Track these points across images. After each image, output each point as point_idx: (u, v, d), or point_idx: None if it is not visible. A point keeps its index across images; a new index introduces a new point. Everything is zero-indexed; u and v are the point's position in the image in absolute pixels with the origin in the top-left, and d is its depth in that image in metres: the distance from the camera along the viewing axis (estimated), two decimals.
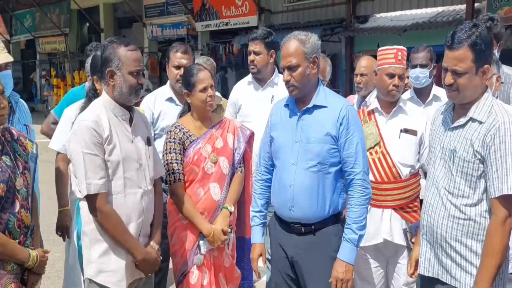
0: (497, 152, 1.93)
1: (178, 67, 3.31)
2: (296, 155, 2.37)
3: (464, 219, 2.04)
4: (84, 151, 2.16)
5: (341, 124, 2.32)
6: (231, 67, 12.83)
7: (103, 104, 2.29)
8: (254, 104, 3.36)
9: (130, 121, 2.35)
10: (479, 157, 1.99)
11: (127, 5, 14.74)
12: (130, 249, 2.25)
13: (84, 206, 2.26)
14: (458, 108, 2.13)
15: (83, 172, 2.16)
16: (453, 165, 2.07)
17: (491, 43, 2.04)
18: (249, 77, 3.54)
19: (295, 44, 2.31)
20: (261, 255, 2.53)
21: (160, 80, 14.53)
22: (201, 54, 12.31)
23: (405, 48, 2.82)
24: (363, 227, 2.34)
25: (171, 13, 14.01)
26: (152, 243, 2.37)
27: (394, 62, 2.76)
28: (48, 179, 3.42)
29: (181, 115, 2.89)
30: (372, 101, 2.90)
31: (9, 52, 2.92)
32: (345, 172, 2.37)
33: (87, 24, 17.67)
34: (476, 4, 8.48)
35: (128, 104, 2.33)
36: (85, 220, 2.28)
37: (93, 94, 2.82)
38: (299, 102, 2.43)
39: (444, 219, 2.09)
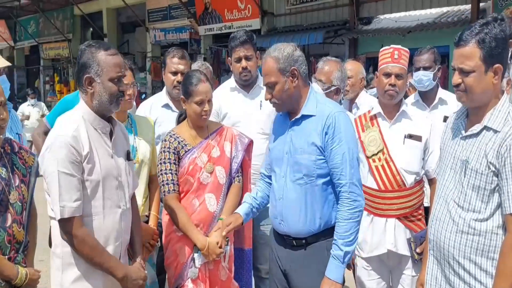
0: None
1: (175, 73, 3.23)
2: (285, 167, 2.33)
3: (474, 235, 1.90)
4: (60, 170, 1.97)
5: (326, 133, 2.22)
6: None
7: (82, 116, 2.10)
8: (242, 111, 3.18)
9: (110, 134, 2.17)
10: (493, 169, 1.85)
11: (130, 10, 14.72)
12: (110, 269, 2.09)
13: (55, 225, 2.07)
14: (472, 115, 1.99)
15: (57, 193, 1.97)
16: (464, 177, 1.93)
17: (504, 41, 1.88)
18: (230, 83, 3.32)
19: (269, 62, 2.30)
20: (228, 225, 2.41)
21: (163, 85, 14.45)
22: (204, 58, 12.25)
23: (403, 48, 2.71)
24: (351, 242, 2.19)
25: (174, 17, 13.96)
26: (138, 258, 2.25)
27: (390, 61, 2.66)
28: None
29: (179, 118, 2.80)
30: (362, 102, 2.83)
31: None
32: (333, 184, 2.27)
33: (91, 29, 17.66)
34: (481, 4, 8.35)
35: (108, 114, 2.15)
36: (57, 241, 2.09)
37: None
38: (291, 112, 2.37)
39: (452, 234, 1.95)
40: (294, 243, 2.33)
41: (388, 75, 2.65)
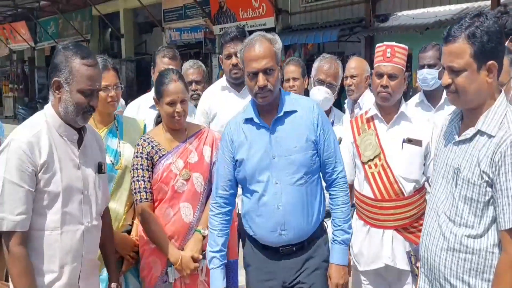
0: (509, 174, 1.57)
1: None
2: (277, 172, 2.12)
3: (466, 253, 1.69)
4: (6, 177, 1.79)
5: (317, 125, 2.15)
6: None
7: (46, 120, 1.91)
8: (232, 111, 3.02)
9: (79, 142, 1.99)
10: (487, 179, 1.63)
11: (147, 11, 14.72)
12: None
13: None
14: (466, 118, 1.78)
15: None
16: (455, 187, 1.72)
17: (498, 35, 1.66)
18: (221, 82, 3.20)
19: (266, 44, 2.10)
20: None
21: None
22: (219, 58, 12.10)
23: (398, 44, 2.48)
24: (351, 225, 2.27)
25: (189, 16, 13.89)
26: (113, 285, 2.11)
27: (383, 60, 2.44)
28: None
29: (157, 120, 2.62)
30: (365, 102, 2.62)
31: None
32: (325, 173, 2.20)
33: (109, 30, 17.76)
34: (502, 0, 8.00)
35: (74, 125, 1.96)
36: None
37: None
38: (264, 112, 2.17)
39: (443, 252, 1.74)
40: (293, 250, 2.18)
41: (380, 75, 2.43)
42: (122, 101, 3.94)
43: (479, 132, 1.69)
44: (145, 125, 2.79)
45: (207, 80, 3.99)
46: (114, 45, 18.02)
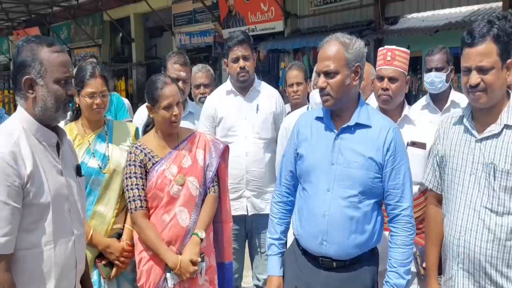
0: None
1: (176, 80, 3.12)
2: (332, 180, 2.06)
3: None
4: None
5: (388, 149, 2.04)
6: (258, 73, 12.53)
7: (22, 126, 1.71)
8: (238, 116, 3.06)
9: (57, 147, 1.82)
10: None
11: (157, 15, 14.86)
12: None
13: None
14: (480, 116, 1.89)
15: None
16: (494, 181, 1.82)
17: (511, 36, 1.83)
18: (227, 86, 3.21)
19: (336, 47, 2.02)
20: None
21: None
22: (223, 62, 12.14)
23: (399, 48, 2.51)
24: (409, 271, 2.08)
25: (199, 21, 13.99)
26: None
27: (383, 63, 2.49)
28: None
29: (145, 128, 2.61)
30: (371, 104, 2.64)
31: None
32: (388, 205, 2.08)
33: (120, 34, 17.95)
34: None
35: (53, 124, 1.80)
36: None
37: (76, 109, 2.66)
38: (335, 117, 2.10)
39: (489, 243, 1.83)
40: (333, 265, 2.10)
41: (381, 78, 2.47)
42: (128, 104, 4.02)
43: (506, 127, 1.83)
44: (137, 128, 2.76)
45: (217, 83, 4.04)
46: (124, 50, 18.20)
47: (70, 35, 19.60)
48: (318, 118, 2.14)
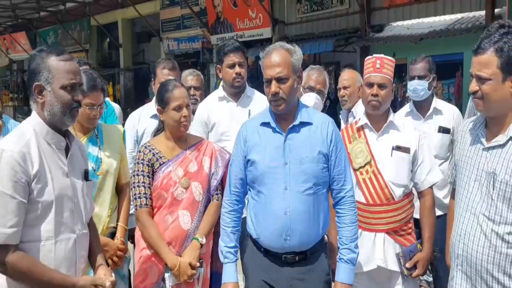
0: None
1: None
2: (288, 178, 2.19)
3: (508, 248, 1.85)
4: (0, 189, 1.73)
5: (331, 141, 2.22)
6: (247, 79, 12.70)
7: (34, 129, 1.86)
8: (231, 121, 3.13)
9: (66, 150, 1.94)
10: None
11: (145, 21, 14.88)
12: (60, 284, 1.83)
13: None
14: (491, 125, 1.95)
15: None
16: (493, 190, 1.88)
17: None
18: (219, 92, 3.28)
19: (284, 53, 2.16)
20: None
21: None
22: (216, 68, 12.22)
23: (387, 57, 2.63)
24: (357, 245, 2.28)
25: (187, 27, 14.04)
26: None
27: (373, 70, 2.59)
28: None
29: (155, 133, 2.71)
30: (358, 111, 2.75)
31: None
32: (333, 190, 2.26)
33: (107, 39, 17.92)
34: (496, 10, 8.13)
35: (62, 128, 1.92)
36: None
37: None
38: (280, 120, 2.24)
39: (485, 249, 1.89)
40: (296, 259, 2.23)
41: (370, 85, 2.57)
42: (118, 109, 4.07)
43: (511, 139, 1.88)
44: (124, 131, 2.87)
45: (205, 89, 4.11)
46: (112, 55, 18.16)
47: (57, 40, 19.49)
48: (263, 124, 2.26)
